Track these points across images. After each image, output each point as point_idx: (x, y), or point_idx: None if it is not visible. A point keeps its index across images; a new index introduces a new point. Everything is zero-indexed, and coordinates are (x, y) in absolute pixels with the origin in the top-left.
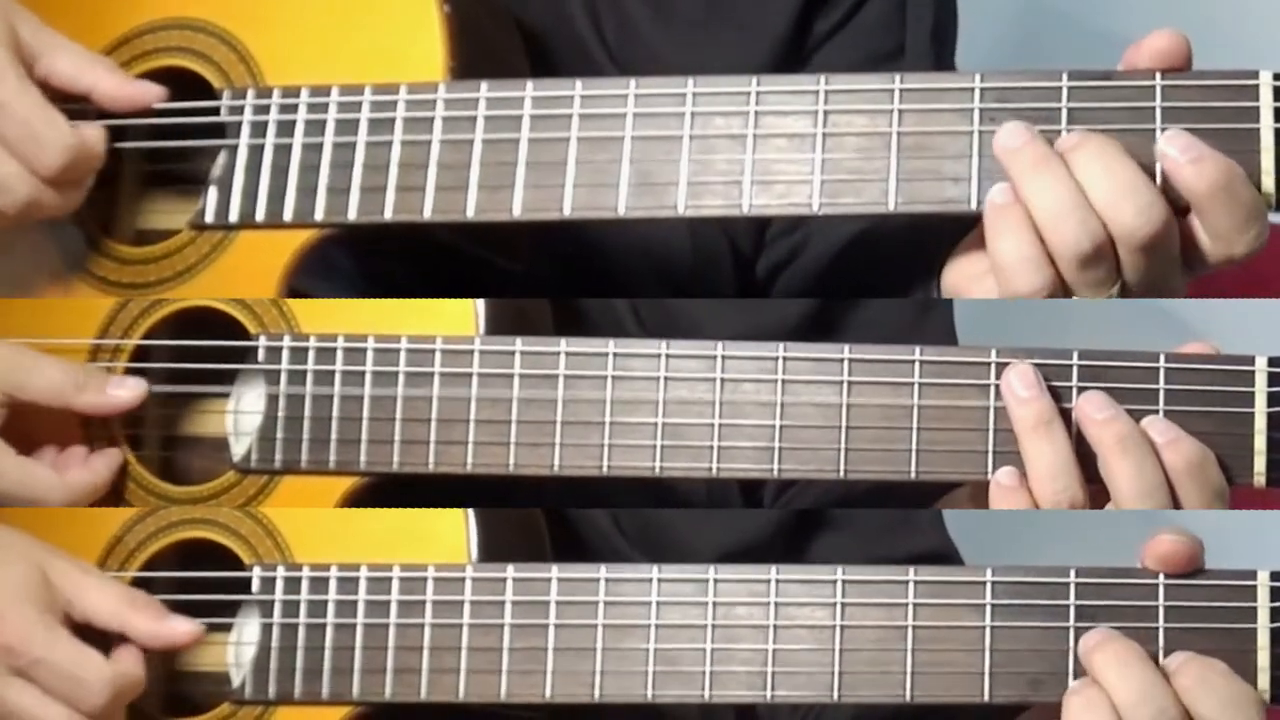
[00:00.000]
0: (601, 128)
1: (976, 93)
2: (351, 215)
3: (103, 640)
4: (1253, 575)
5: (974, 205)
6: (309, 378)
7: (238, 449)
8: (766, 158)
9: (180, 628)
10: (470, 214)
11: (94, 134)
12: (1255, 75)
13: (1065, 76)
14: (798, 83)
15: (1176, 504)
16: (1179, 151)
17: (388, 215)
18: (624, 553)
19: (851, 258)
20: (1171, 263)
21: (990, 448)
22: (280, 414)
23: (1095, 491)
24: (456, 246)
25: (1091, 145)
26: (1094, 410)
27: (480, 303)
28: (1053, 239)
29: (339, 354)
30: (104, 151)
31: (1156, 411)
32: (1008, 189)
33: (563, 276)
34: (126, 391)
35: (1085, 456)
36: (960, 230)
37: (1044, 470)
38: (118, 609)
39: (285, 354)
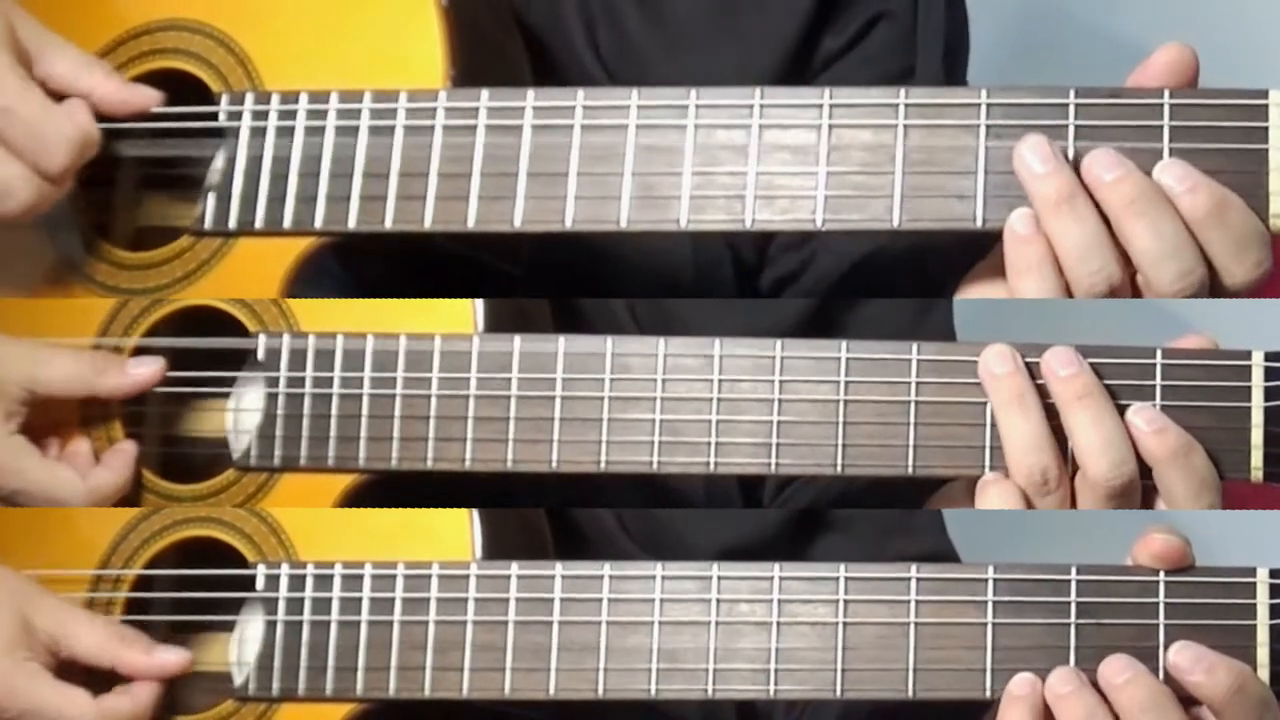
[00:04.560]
0: (603, 138)
1: (983, 109)
2: (351, 224)
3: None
4: (1252, 573)
5: (979, 223)
6: (308, 376)
7: (237, 447)
8: (770, 172)
9: (169, 658)
10: (471, 224)
11: (88, 121)
12: (1265, 95)
13: (1073, 94)
14: (802, 95)
15: (1142, 462)
16: (1175, 181)
17: (388, 224)
18: (627, 551)
19: (857, 279)
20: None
21: (987, 443)
22: (279, 412)
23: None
24: (457, 255)
25: (1140, 199)
26: (1060, 366)
27: (479, 303)
28: (1072, 275)
29: (338, 352)
30: (100, 136)
31: (1154, 407)
32: (1030, 218)
33: (563, 284)
34: (147, 369)
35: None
36: (966, 257)
37: (1018, 443)
38: (105, 646)
39: (284, 352)
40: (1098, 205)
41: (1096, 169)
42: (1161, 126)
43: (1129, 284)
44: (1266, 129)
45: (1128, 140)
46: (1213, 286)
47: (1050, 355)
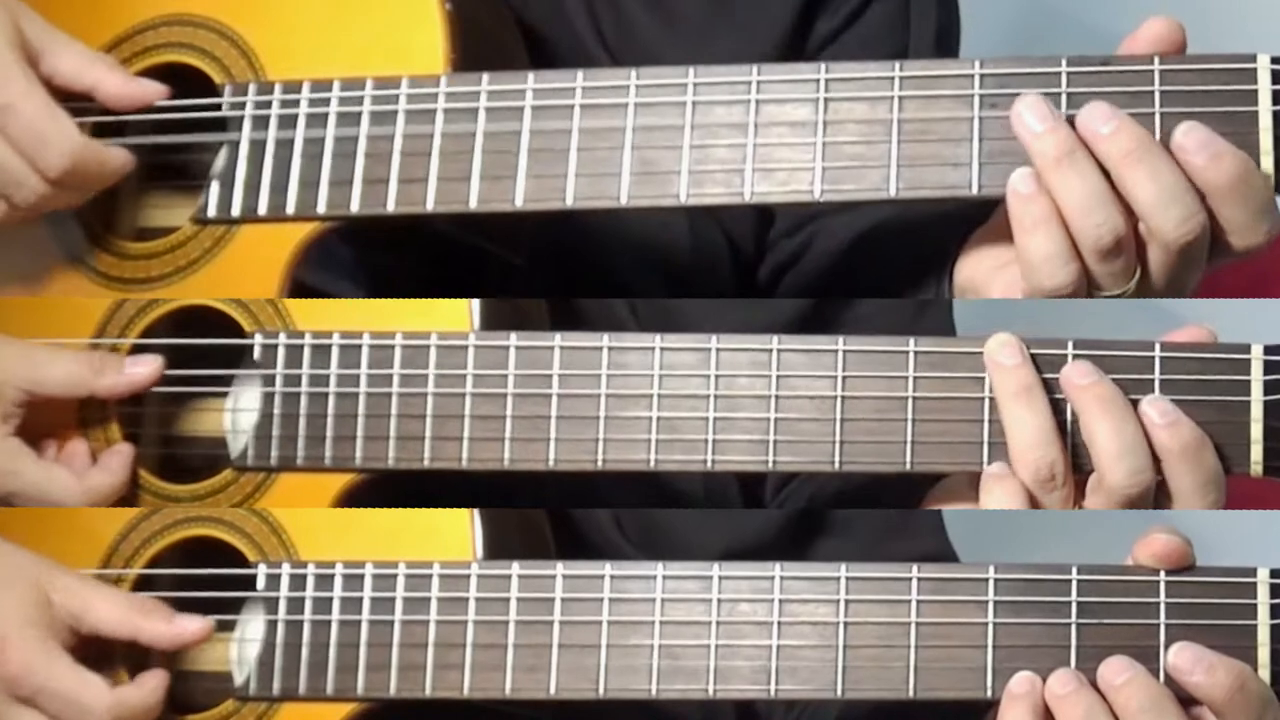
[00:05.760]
0: (603, 117)
1: (976, 79)
2: (354, 207)
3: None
4: (1253, 573)
5: (975, 190)
6: (305, 375)
7: (234, 447)
8: (768, 146)
9: (190, 627)
10: (473, 204)
11: (117, 153)
12: (1253, 59)
13: (1064, 62)
14: (798, 71)
15: (1160, 472)
16: (1198, 146)
17: (390, 207)
18: (626, 553)
19: (856, 257)
20: (1198, 262)
21: (985, 438)
22: (276, 411)
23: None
24: (459, 240)
25: (1137, 149)
26: (1078, 376)
27: (475, 302)
28: (1077, 229)
29: (334, 351)
30: (118, 167)
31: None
32: (1031, 176)
33: (562, 276)
34: (144, 368)
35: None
36: (964, 228)
37: (1023, 437)
38: (125, 617)
39: (281, 352)
40: (1097, 159)
41: (1092, 123)
42: (1153, 92)
43: (1133, 237)
44: (1255, 91)
45: (1119, 106)
46: (1221, 248)
47: (1067, 370)
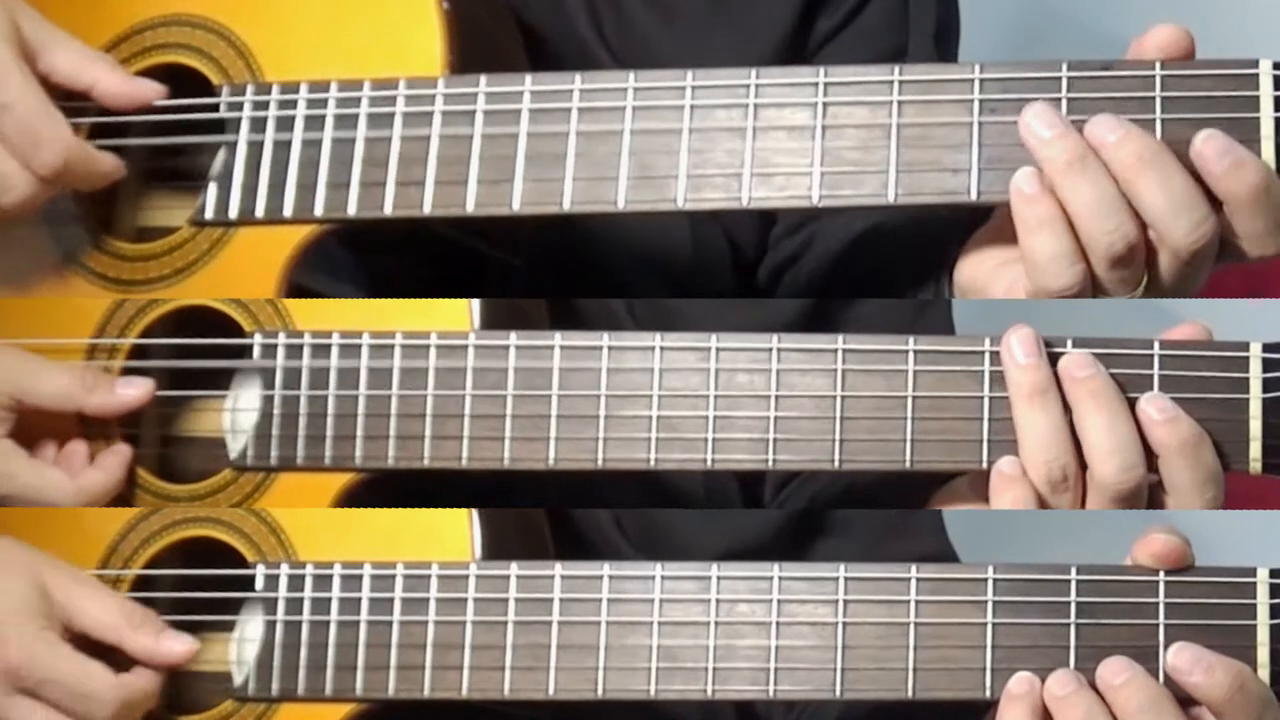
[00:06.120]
0: (601, 121)
1: (976, 84)
2: (351, 210)
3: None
4: (1252, 573)
5: (974, 196)
6: (304, 374)
7: (234, 446)
8: (766, 150)
9: (175, 647)
10: (470, 208)
11: (108, 157)
12: (1255, 64)
13: (1065, 67)
14: (797, 75)
15: (1157, 469)
16: (1218, 154)
17: (387, 210)
18: (625, 554)
19: (856, 255)
20: (1206, 267)
21: (985, 437)
22: (276, 411)
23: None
24: (457, 242)
25: (1146, 155)
26: (1076, 369)
27: (476, 302)
28: (1087, 238)
29: (334, 349)
30: (109, 171)
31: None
32: (1035, 176)
33: (563, 273)
34: (135, 390)
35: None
36: (967, 225)
37: (1036, 439)
38: (115, 624)
39: (280, 351)
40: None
41: (1099, 131)
42: (1154, 98)
43: (1144, 244)
44: (1257, 98)
45: (1120, 112)
46: (1232, 253)
47: (1067, 359)
